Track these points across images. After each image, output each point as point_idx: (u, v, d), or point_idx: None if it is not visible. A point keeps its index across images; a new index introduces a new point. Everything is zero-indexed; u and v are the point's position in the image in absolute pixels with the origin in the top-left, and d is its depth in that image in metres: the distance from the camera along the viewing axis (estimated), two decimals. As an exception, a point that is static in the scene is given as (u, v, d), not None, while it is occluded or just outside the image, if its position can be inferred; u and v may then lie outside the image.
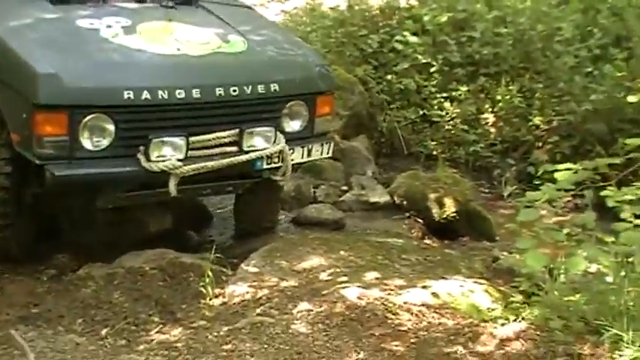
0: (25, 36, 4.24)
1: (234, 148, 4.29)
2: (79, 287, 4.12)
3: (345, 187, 5.95)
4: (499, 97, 7.15)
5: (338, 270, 4.17)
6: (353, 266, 4.26)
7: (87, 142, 3.99)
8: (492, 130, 7.12)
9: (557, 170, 3.21)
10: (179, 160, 4.11)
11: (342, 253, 4.45)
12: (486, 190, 6.66)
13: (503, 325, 3.55)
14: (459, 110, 7.12)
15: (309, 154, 4.55)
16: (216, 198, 5.43)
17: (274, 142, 4.37)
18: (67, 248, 4.61)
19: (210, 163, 4.18)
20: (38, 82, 3.92)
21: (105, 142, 4.03)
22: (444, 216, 5.53)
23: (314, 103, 4.56)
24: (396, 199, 5.70)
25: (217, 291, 3.98)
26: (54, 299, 4.07)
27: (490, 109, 7.19)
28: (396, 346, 3.40)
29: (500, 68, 7.29)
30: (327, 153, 4.66)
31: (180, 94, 4.11)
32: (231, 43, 4.52)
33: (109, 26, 4.37)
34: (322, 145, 4.59)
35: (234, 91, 4.26)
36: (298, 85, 4.51)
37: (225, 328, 3.57)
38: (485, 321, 3.61)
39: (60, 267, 4.47)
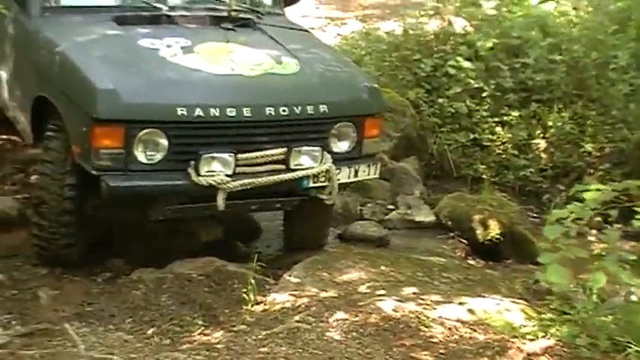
0: (89, 53, 4.46)
1: (281, 166, 4.42)
2: (130, 289, 4.32)
3: (391, 206, 6.09)
4: (551, 123, 7.21)
5: (377, 284, 4.29)
6: (392, 281, 4.38)
7: (141, 156, 4.17)
8: (543, 155, 7.17)
9: (587, 190, 3.30)
10: (227, 175, 4.26)
11: (382, 268, 4.58)
12: (534, 215, 6.70)
13: (531, 340, 3.64)
14: (510, 135, 7.19)
15: (355, 175, 4.65)
16: (267, 212, 5.60)
17: (321, 161, 4.49)
18: (122, 254, 4.84)
19: (256, 180, 4.33)
20: (97, 97, 4.12)
21: (158, 156, 4.21)
22: (488, 237, 5.63)
23: (362, 125, 4.65)
24: (441, 219, 5.82)
25: (259, 298, 4.14)
26: (107, 299, 4.27)
27: (541, 135, 7.25)
28: (425, 355, 3.52)
29: (553, 95, 7.35)
30: (374, 174, 4.76)
31: (231, 112, 4.28)
32: (284, 65, 4.66)
33: (168, 46, 4.56)
34: (369, 166, 4.69)
35: (284, 111, 4.39)
36: (347, 107, 4.62)
37: (264, 333, 3.72)
38: (516, 337, 3.71)
39: (114, 271, 4.68)
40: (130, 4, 5.02)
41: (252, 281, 4.15)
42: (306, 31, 5.64)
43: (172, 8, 5.00)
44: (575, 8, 8.25)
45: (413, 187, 6.39)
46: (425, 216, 5.90)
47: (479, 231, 5.65)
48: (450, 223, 5.78)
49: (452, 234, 5.73)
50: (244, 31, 4.97)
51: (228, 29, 4.89)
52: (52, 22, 4.76)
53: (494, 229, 5.62)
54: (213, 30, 4.90)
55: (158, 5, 4.97)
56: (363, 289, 4.22)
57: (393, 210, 6.03)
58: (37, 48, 4.72)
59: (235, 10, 5.06)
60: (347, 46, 8.33)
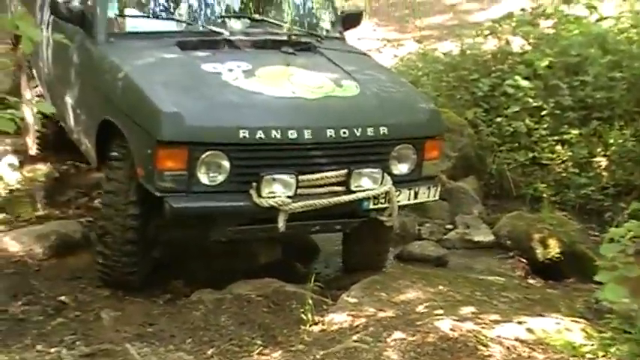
0: (153, 77, 4.56)
1: (341, 188, 4.45)
2: (190, 310, 4.39)
3: (449, 226, 6.08)
4: (612, 141, 7.11)
5: (435, 303, 4.28)
6: (450, 300, 4.37)
7: (203, 177, 4.22)
8: (604, 173, 7.06)
9: (646, 208, 3.27)
10: (288, 197, 4.29)
11: (440, 287, 4.57)
12: (596, 234, 6.60)
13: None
14: (570, 153, 7.10)
15: (415, 197, 4.66)
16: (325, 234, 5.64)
17: (381, 183, 4.51)
18: (182, 275, 4.92)
19: (317, 201, 4.36)
20: (161, 119, 4.20)
21: (220, 178, 4.25)
22: (548, 256, 5.58)
23: (422, 148, 4.66)
24: (500, 238, 5.79)
25: (317, 318, 4.16)
26: (167, 320, 4.33)
27: (602, 153, 7.14)
28: (483, 374, 3.51)
29: (614, 112, 7.25)
30: (434, 196, 4.76)
31: (292, 134, 4.32)
32: (344, 87, 4.70)
33: (230, 70, 4.64)
34: (429, 188, 4.69)
35: (345, 133, 4.42)
36: (407, 129, 4.63)
37: (322, 353, 3.74)
38: (575, 356, 3.66)
39: (174, 292, 4.75)
40: (192, 30, 5.11)
41: (310, 301, 4.18)
42: (366, 54, 5.68)
43: (233, 33, 5.09)
44: (633, 26, 8.14)
45: (471, 206, 6.37)
46: (484, 235, 5.87)
47: (539, 250, 5.60)
48: (509, 242, 5.74)
49: (511, 253, 5.69)
50: (304, 55, 5.04)
51: (289, 53, 4.96)
52: (117, 48, 4.89)
53: (555, 248, 5.57)
54: (274, 54, 4.97)
55: (219, 30, 5.07)
56: (420, 308, 4.21)
57: (451, 230, 6.02)
58: (103, 73, 4.84)
59: (295, 35, 5.15)
60: (404, 67, 8.36)
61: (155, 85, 4.46)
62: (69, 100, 5.33)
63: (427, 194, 4.70)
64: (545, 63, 7.30)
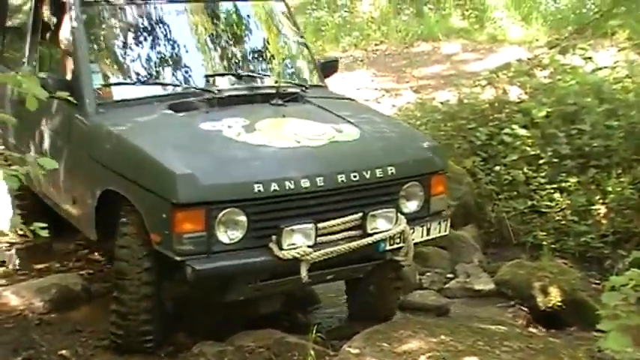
0: (157, 141, 4.56)
1: (358, 232, 4.47)
2: (192, 363, 4.38)
3: (450, 275, 6.07)
4: (610, 189, 7.13)
5: (437, 353, 4.27)
6: (452, 350, 4.35)
7: (222, 236, 4.19)
8: (603, 221, 7.06)
9: (646, 256, 3.28)
10: (309, 246, 4.29)
11: (442, 337, 4.54)
12: (597, 281, 6.59)
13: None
14: (568, 201, 7.11)
15: (428, 233, 4.70)
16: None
17: (396, 222, 4.54)
18: (183, 326, 4.89)
19: (339, 247, 4.37)
20: (176, 182, 4.16)
21: (239, 235, 4.23)
22: (550, 305, 5.56)
23: (429, 184, 4.72)
24: (501, 287, 5.78)
25: (319, 369, 4.17)
26: (169, 374, 4.33)
27: (601, 201, 7.16)
28: None
29: (611, 160, 7.27)
30: (445, 231, 4.81)
31: (305, 183, 4.34)
32: (345, 132, 4.76)
33: (229, 126, 4.66)
34: (439, 223, 4.74)
35: (355, 176, 4.46)
36: (413, 167, 4.69)
37: (324, 404, 3.74)
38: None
39: (176, 344, 4.72)
40: (180, 92, 5.13)
41: (312, 353, 4.17)
42: (352, 99, 5.77)
43: (220, 91, 5.13)
44: (628, 75, 8.23)
45: (472, 255, 6.37)
46: (484, 284, 5.87)
47: (540, 298, 5.59)
48: (510, 291, 5.73)
49: (512, 302, 5.67)
50: (295, 105, 5.10)
51: (279, 105, 5.01)
52: (109, 117, 4.85)
53: (556, 297, 5.56)
54: (265, 107, 5.02)
55: (207, 89, 5.11)
56: (423, 359, 4.20)
57: (452, 279, 6.01)
58: (100, 143, 4.79)
59: (282, 86, 5.21)
60: (402, 116, 8.41)
61: (161, 148, 4.46)
62: (55, 176, 5.20)
63: (438, 229, 4.74)
64: (542, 112, 7.36)
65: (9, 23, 6.29)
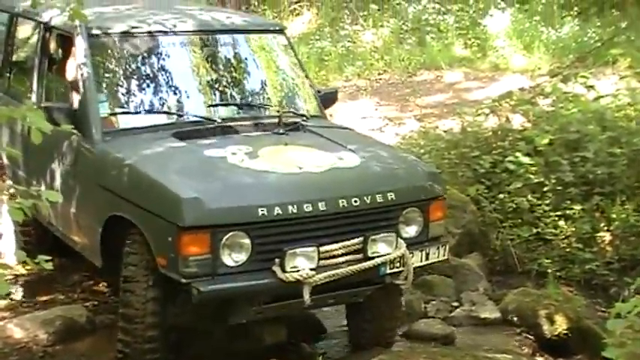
0: (163, 166, 4.65)
1: (359, 256, 4.53)
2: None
3: (455, 303, 6.06)
4: (614, 216, 7.13)
5: (443, 382, 4.28)
6: (458, 379, 4.36)
7: (227, 259, 4.28)
8: (608, 248, 7.06)
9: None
10: (311, 269, 4.36)
11: (448, 366, 4.56)
12: (603, 309, 6.57)
13: None
14: (573, 228, 7.11)
15: (427, 258, 4.78)
16: (330, 311, 5.61)
17: (396, 246, 4.61)
18: (186, 357, 4.88)
19: (340, 271, 4.44)
20: (183, 206, 4.25)
21: (243, 257, 4.31)
22: (556, 333, 5.55)
23: (427, 209, 4.80)
24: (506, 315, 5.77)
25: (324, 400, 4.15)
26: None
27: (606, 228, 7.16)
28: None
29: (615, 187, 7.28)
30: (444, 255, 4.88)
31: (308, 207, 4.43)
32: (345, 159, 4.85)
33: (233, 153, 4.75)
34: (438, 248, 4.82)
35: (356, 201, 4.55)
36: (412, 192, 4.78)
37: None
38: None
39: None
40: (184, 120, 5.23)
41: (318, 383, 4.15)
42: (351, 129, 5.90)
43: (223, 120, 5.26)
44: (630, 103, 8.26)
45: (477, 283, 6.35)
46: (490, 312, 5.86)
47: (546, 326, 5.58)
48: (515, 319, 5.72)
49: (518, 330, 5.66)
50: (296, 134, 5.20)
51: (280, 133, 5.11)
52: (115, 145, 4.95)
53: (562, 325, 5.55)
54: (268, 135, 5.13)
55: (210, 118, 5.24)
56: (428, 388, 4.19)
57: (457, 307, 6.00)
58: (107, 169, 4.88)
59: (284, 115, 5.30)
60: (406, 145, 8.44)
61: (167, 173, 4.56)
62: (62, 204, 5.14)
63: (437, 254, 4.81)
64: (545, 140, 7.37)
65: (15, 57, 6.34)
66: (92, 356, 4.98)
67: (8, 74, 6.31)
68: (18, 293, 6.00)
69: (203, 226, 4.24)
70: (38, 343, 5.10)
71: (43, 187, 5.56)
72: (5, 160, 6.18)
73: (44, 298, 5.92)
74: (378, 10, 14.69)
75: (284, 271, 4.31)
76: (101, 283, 6.10)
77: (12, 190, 5.58)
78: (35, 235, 6.13)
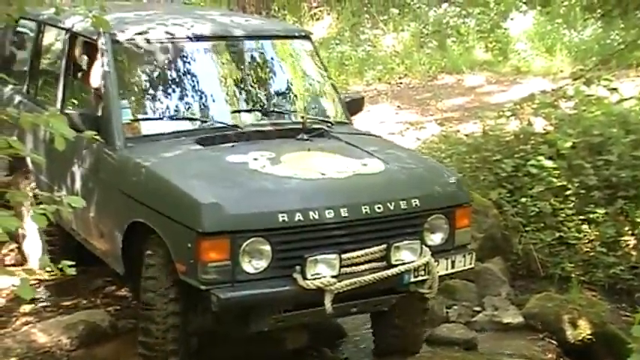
0: (184, 172, 4.64)
1: (382, 263, 4.48)
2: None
3: (477, 308, 6.03)
4: (639, 220, 7.07)
5: (466, 388, 4.25)
6: (481, 384, 4.33)
7: (247, 265, 4.23)
8: (633, 252, 6.99)
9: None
10: (333, 277, 4.31)
11: (470, 371, 4.53)
12: (627, 314, 6.51)
13: None
14: (597, 232, 7.04)
15: (452, 266, 4.70)
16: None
17: (420, 254, 4.54)
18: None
19: (362, 278, 4.38)
20: (202, 211, 4.23)
21: (263, 264, 4.26)
22: (579, 338, 5.52)
23: (453, 216, 4.73)
24: (529, 320, 5.73)
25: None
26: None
27: (630, 232, 7.09)
28: None
29: (639, 191, 7.23)
30: (470, 264, 4.81)
31: (329, 213, 4.38)
32: (369, 165, 4.81)
33: (255, 159, 4.73)
34: (464, 256, 4.74)
35: (379, 208, 4.49)
36: (437, 199, 4.72)
37: None
38: None
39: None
40: (207, 127, 5.22)
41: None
42: (377, 136, 5.86)
43: (247, 126, 5.25)
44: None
45: (499, 287, 6.32)
46: (512, 317, 5.82)
47: (569, 332, 5.54)
48: (538, 324, 5.69)
49: (541, 335, 5.63)
50: (320, 140, 5.17)
51: (304, 140, 5.08)
52: (138, 151, 4.95)
53: (585, 330, 5.51)
54: (291, 142, 5.10)
55: (233, 124, 5.24)
56: (451, 393, 4.17)
57: (479, 312, 5.97)
58: (128, 176, 4.89)
59: (308, 122, 5.27)
60: (427, 149, 8.40)
61: (187, 179, 4.54)
62: (84, 210, 5.19)
63: (463, 262, 4.73)
64: (568, 144, 7.32)
65: (41, 65, 6.39)
66: (113, 360, 5.00)
67: (35, 81, 6.35)
68: (42, 298, 6.03)
69: (222, 231, 4.21)
70: (61, 348, 5.12)
71: (65, 194, 5.60)
72: (30, 166, 6.21)
73: (67, 302, 5.95)
74: (399, 14, 14.67)
75: (305, 278, 4.26)
76: (123, 288, 6.11)
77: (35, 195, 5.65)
78: (59, 241, 6.14)
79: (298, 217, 4.31)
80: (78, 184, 5.46)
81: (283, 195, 4.45)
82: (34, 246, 6.46)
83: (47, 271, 6.09)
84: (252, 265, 4.24)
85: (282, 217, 4.29)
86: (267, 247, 4.26)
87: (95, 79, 5.47)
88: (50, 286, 6.18)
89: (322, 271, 4.30)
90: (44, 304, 5.94)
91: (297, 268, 4.28)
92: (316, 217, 4.35)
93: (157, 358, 4.57)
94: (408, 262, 4.50)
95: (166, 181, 4.57)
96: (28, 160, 6.06)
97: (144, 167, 4.76)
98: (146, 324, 4.58)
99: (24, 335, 5.22)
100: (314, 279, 4.27)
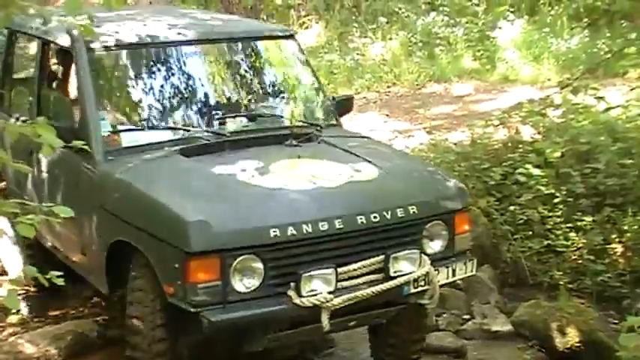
0: (167, 187, 4.45)
1: (380, 275, 4.30)
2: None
3: (467, 316, 6.03)
4: (626, 227, 7.08)
5: (455, 396, 4.25)
6: (470, 393, 4.33)
7: (238, 285, 4.04)
8: (621, 260, 7.01)
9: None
10: (329, 292, 4.12)
11: (460, 380, 4.53)
12: (615, 321, 6.52)
13: None
14: (585, 240, 7.06)
15: (453, 274, 4.55)
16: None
17: (420, 264, 4.37)
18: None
19: (361, 292, 4.19)
20: (189, 230, 4.01)
21: (255, 283, 4.08)
22: (568, 346, 5.51)
23: (452, 222, 4.57)
24: (518, 328, 5.73)
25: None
26: None
27: (617, 239, 7.11)
28: None
29: (627, 199, 7.23)
30: (471, 271, 4.66)
31: (323, 226, 4.18)
32: (362, 171, 4.62)
33: (243, 170, 4.54)
34: (465, 263, 4.58)
35: (375, 217, 4.30)
36: (436, 205, 4.54)
37: None
38: None
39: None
40: (191, 135, 4.99)
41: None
42: (368, 137, 5.64)
43: (232, 133, 5.03)
44: (640, 115, 8.24)
45: (488, 295, 6.32)
46: (502, 325, 5.83)
47: (558, 339, 5.54)
48: (527, 331, 5.69)
49: (530, 343, 5.64)
50: (310, 145, 4.98)
51: (293, 145, 4.90)
52: (119, 164, 4.72)
53: (574, 337, 5.51)
54: (279, 148, 4.90)
55: (218, 132, 5.02)
56: (441, 402, 4.17)
57: (468, 320, 5.98)
58: (109, 192, 4.68)
59: (297, 127, 5.13)
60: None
61: (172, 195, 4.34)
62: (63, 227, 5.06)
63: (464, 270, 4.59)
64: (556, 152, 7.34)
65: (15, 74, 6.28)
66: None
67: (7, 92, 6.12)
68: (29, 308, 6.00)
69: (211, 250, 4.01)
70: (49, 358, 5.11)
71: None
72: (7, 177, 6.05)
73: (55, 313, 5.92)
74: (387, 22, 14.69)
75: (300, 295, 4.08)
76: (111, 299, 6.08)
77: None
78: (39, 256, 5.89)
79: (291, 231, 4.13)
80: (57, 201, 5.18)
81: (274, 208, 4.24)
82: (13, 258, 6.36)
83: (34, 282, 6.06)
84: (243, 284, 4.06)
85: (274, 232, 4.10)
86: (259, 265, 4.08)
87: (71, 89, 5.34)
88: (37, 296, 6.15)
89: (318, 287, 4.12)
90: (31, 314, 5.90)
91: (292, 285, 4.10)
92: (310, 230, 4.15)
93: None
94: (408, 273, 4.33)
95: (150, 198, 4.35)
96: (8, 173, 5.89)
97: (126, 182, 4.56)
98: (132, 351, 4.42)
99: (11, 346, 5.19)
100: (309, 296, 4.09)
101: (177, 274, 4.05)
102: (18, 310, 5.82)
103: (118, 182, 4.64)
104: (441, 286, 4.52)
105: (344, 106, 5.68)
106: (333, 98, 5.74)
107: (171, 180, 4.57)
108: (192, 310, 4.01)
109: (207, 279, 4.00)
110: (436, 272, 4.41)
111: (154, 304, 4.32)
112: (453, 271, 4.53)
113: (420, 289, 4.39)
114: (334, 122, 5.53)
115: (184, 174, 4.62)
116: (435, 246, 4.54)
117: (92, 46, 5.05)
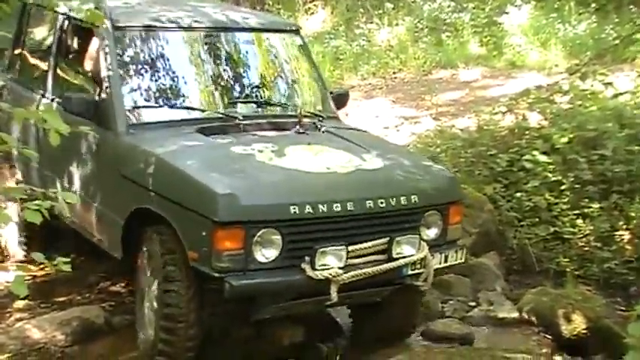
0: (193, 161, 4.70)
1: (384, 256, 4.60)
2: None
3: (473, 303, 6.03)
4: (633, 214, 7.06)
5: (461, 383, 4.25)
6: (476, 379, 4.33)
7: (259, 255, 4.33)
8: (628, 247, 7.00)
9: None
10: (340, 268, 4.43)
11: (466, 366, 4.53)
12: (622, 308, 6.51)
13: None
14: (591, 227, 7.05)
15: (445, 260, 4.86)
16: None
17: (419, 248, 4.68)
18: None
19: (367, 270, 4.50)
20: (218, 201, 4.31)
21: (274, 254, 4.36)
22: (574, 332, 5.50)
23: (447, 213, 4.88)
24: (524, 314, 5.73)
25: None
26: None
27: (624, 226, 7.09)
28: None
29: (634, 186, 7.22)
30: (462, 259, 4.96)
31: (337, 207, 4.49)
32: (368, 161, 4.92)
33: (260, 151, 4.81)
34: (456, 251, 4.91)
35: (382, 203, 4.61)
36: (434, 196, 4.85)
37: None
38: None
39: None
40: (206, 116, 5.27)
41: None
42: (365, 131, 5.93)
43: (245, 117, 5.26)
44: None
45: (494, 282, 6.33)
46: (508, 312, 5.83)
47: (564, 326, 5.53)
48: (533, 318, 5.67)
49: (536, 330, 5.62)
50: (316, 134, 5.24)
51: (300, 133, 5.17)
52: (141, 138, 4.98)
53: (580, 324, 5.50)
54: (289, 134, 5.17)
55: (232, 115, 5.25)
56: (446, 388, 4.17)
57: (474, 307, 5.97)
58: (135, 162, 4.89)
59: (303, 116, 5.33)
60: (422, 144, 8.41)
61: (199, 168, 4.62)
62: (80, 194, 5.29)
63: (455, 257, 4.90)
64: (563, 138, 7.32)
65: (27, 47, 6.33)
66: (109, 357, 4.99)
67: (20, 62, 6.30)
68: (35, 294, 6.01)
69: (237, 221, 4.29)
70: (56, 344, 5.11)
71: (58, 183, 5.57)
72: (15, 156, 6.14)
73: (61, 298, 5.93)
74: (393, 8, 14.65)
75: (314, 268, 4.37)
76: (118, 284, 6.10)
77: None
78: (41, 235, 6.05)
79: (308, 209, 4.41)
80: (73, 172, 5.46)
81: (293, 187, 4.56)
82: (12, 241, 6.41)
83: (41, 267, 6.09)
84: (263, 255, 4.33)
85: (294, 209, 4.38)
86: (279, 238, 4.35)
87: (94, 65, 5.44)
88: (44, 282, 6.16)
89: (330, 262, 4.42)
90: (38, 300, 5.92)
91: (307, 258, 4.38)
92: (325, 210, 4.44)
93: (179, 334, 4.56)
94: (408, 256, 4.63)
95: (179, 169, 4.59)
96: (14, 151, 5.95)
97: (154, 155, 4.77)
98: (167, 317, 4.55)
99: (18, 331, 5.20)
100: (322, 269, 4.38)
101: (204, 241, 4.31)
102: (26, 296, 5.83)
103: (145, 154, 4.84)
104: (435, 270, 4.78)
105: (340, 100, 5.98)
106: (331, 92, 6.02)
107: (194, 154, 4.80)
108: (215, 275, 4.27)
109: (232, 247, 4.27)
110: (431, 257, 4.70)
111: (179, 269, 4.51)
112: (446, 257, 4.84)
113: (416, 271, 4.71)
114: (333, 115, 5.81)
115: (207, 150, 4.88)
116: (430, 233, 4.83)
117: (120, 24, 5.33)
